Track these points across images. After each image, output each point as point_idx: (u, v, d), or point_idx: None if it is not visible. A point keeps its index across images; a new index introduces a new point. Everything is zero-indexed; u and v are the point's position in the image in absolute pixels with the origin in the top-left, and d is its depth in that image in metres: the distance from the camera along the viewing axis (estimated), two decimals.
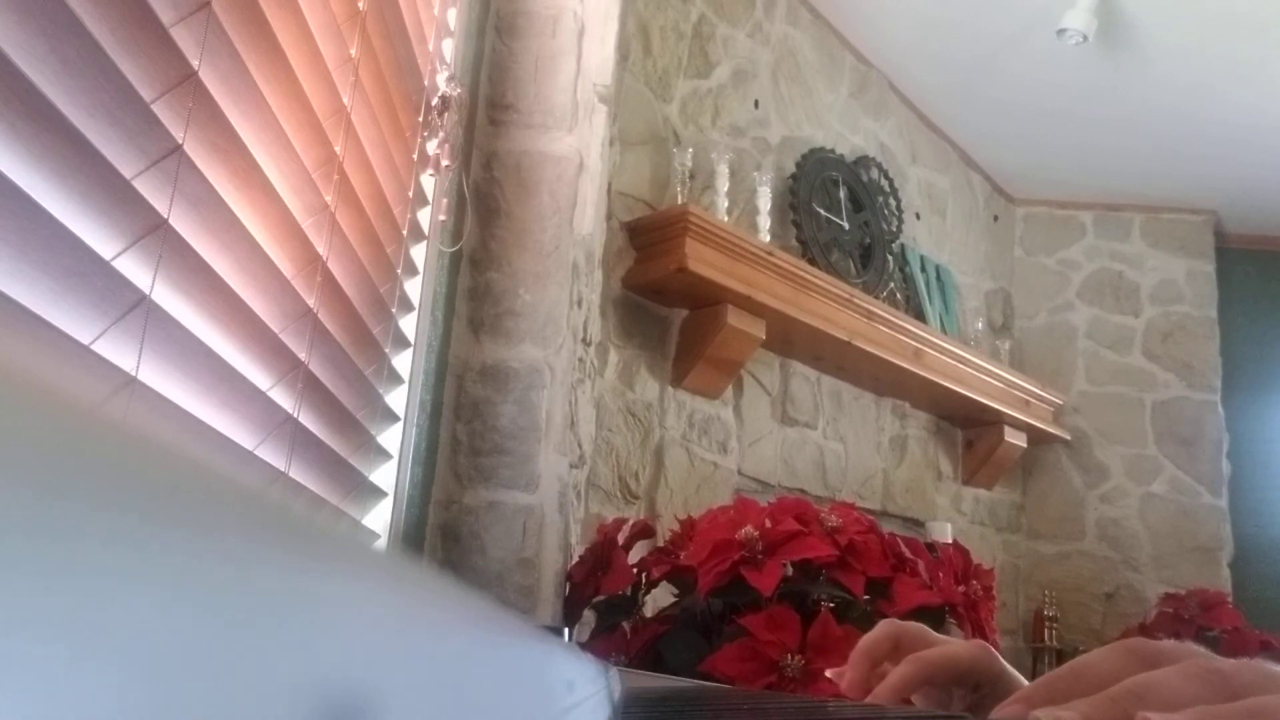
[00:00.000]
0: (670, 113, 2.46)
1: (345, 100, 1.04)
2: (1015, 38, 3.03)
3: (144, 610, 0.07)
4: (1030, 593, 3.66)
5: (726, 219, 2.39)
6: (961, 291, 3.56)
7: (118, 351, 0.63)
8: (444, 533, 1.51)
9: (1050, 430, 3.55)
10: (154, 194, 0.66)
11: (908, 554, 1.40)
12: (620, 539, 1.52)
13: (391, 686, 0.12)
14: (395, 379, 1.35)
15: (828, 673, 0.51)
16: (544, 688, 0.26)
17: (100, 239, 0.61)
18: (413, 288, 1.40)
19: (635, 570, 1.48)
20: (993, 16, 2.95)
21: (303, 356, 0.95)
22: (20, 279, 0.54)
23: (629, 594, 1.49)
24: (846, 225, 2.94)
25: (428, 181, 1.42)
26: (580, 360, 1.65)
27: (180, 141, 0.68)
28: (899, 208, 3.19)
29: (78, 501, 0.07)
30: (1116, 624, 3.50)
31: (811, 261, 2.66)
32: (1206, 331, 3.79)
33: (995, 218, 3.90)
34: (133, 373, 0.64)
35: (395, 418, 1.34)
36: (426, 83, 1.37)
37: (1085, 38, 2.83)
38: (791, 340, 2.60)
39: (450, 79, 1.43)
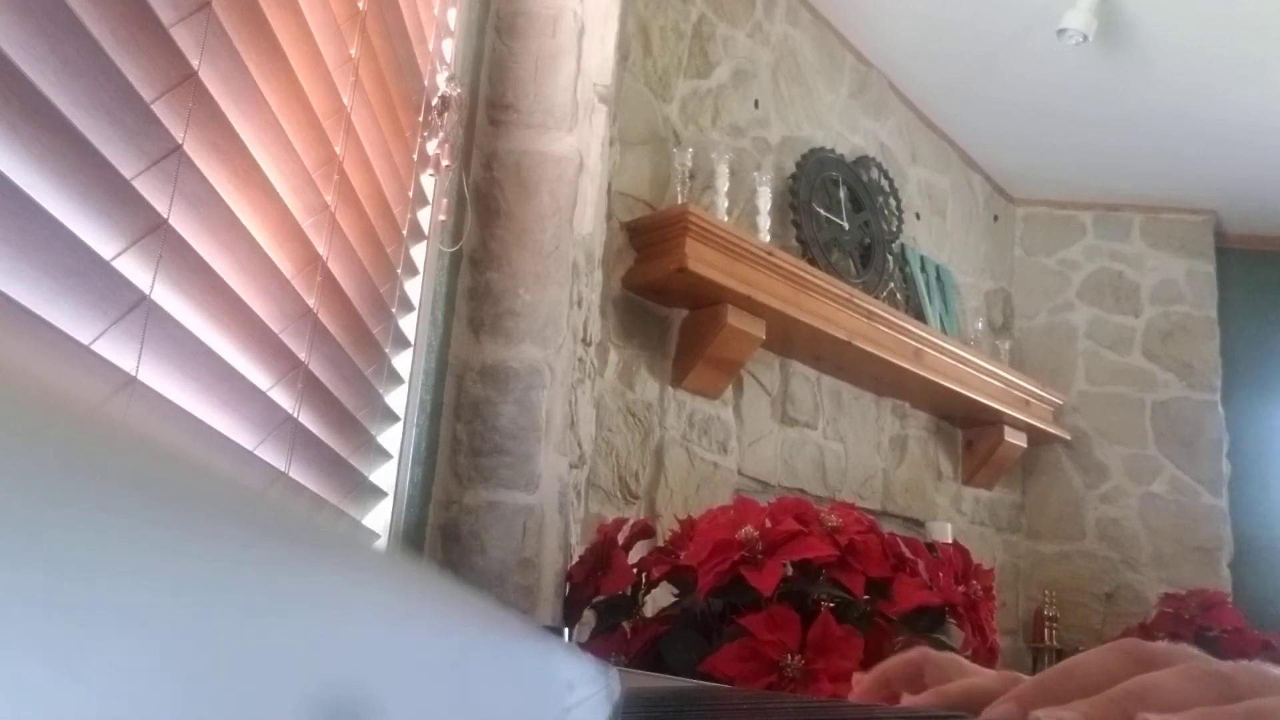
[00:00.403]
0: (670, 113, 2.46)
1: (345, 100, 1.04)
2: (1015, 38, 3.03)
3: (144, 610, 0.07)
4: (1030, 593, 3.66)
5: (726, 219, 2.39)
6: (961, 291, 3.56)
7: (118, 351, 0.63)
8: (444, 533, 1.51)
9: (1050, 430, 3.55)
10: (154, 194, 0.66)
11: (908, 554, 1.40)
12: (620, 539, 1.52)
13: (391, 686, 0.12)
14: (395, 379, 1.35)
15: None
16: (544, 688, 0.26)
17: (100, 239, 0.61)
18: (413, 288, 1.40)
19: (635, 570, 1.48)
20: (993, 16, 2.95)
21: (303, 356, 0.95)
22: (20, 279, 0.54)
23: (629, 594, 1.49)
24: (846, 225, 2.94)
25: (428, 181, 1.42)
26: (580, 360, 1.65)
27: (180, 141, 0.68)
28: (899, 208, 3.19)
29: (77, 501, 0.07)
30: (1116, 624, 3.50)
31: (811, 261, 2.66)
32: (1206, 331, 3.79)
33: (995, 218, 3.90)
34: (133, 373, 0.64)
35: (395, 418, 1.34)
36: (426, 83, 1.37)
37: (1085, 38, 2.83)
38: (791, 340, 2.60)
39: (450, 79, 1.43)
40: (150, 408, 0.67)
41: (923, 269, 3.31)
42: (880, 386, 3.02)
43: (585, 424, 1.69)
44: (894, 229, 3.15)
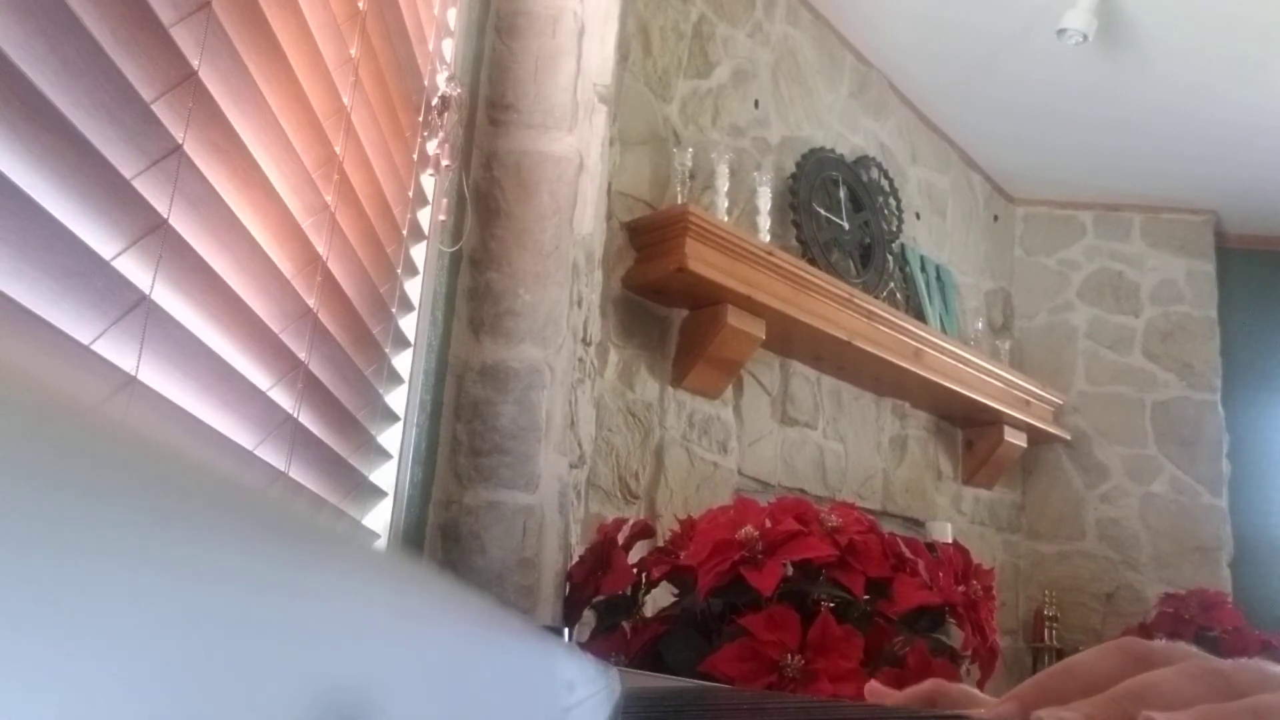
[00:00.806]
0: (670, 113, 2.46)
1: (345, 100, 1.04)
2: (1015, 38, 3.03)
3: (144, 610, 0.07)
4: (1030, 593, 3.66)
5: (726, 219, 2.39)
6: (961, 291, 3.56)
7: (118, 351, 0.63)
8: (444, 533, 1.51)
9: (1050, 430, 3.55)
10: (154, 194, 0.66)
11: (908, 554, 1.40)
12: (620, 539, 1.52)
13: (391, 686, 0.12)
14: (395, 379, 1.35)
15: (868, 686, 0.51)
16: (544, 688, 0.26)
17: (100, 239, 0.61)
18: (413, 288, 1.40)
19: (635, 570, 1.48)
20: (993, 16, 2.95)
21: (303, 356, 0.95)
22: (20, 279, 0.54)
23: (629, 594, 1.49)
24: (846, 225, 2.94)
25: (428, 181, 1.42)
26: (580, 360, 1.65)
27: (180, 141, 0.68)
28: (899, 208, 3.19)
29: (77, 501, 0.07)
30: (1116, 624, 3.50)
31: (811, 261, 2.66)
32: (1206, 331, 3.79)
33: (995, 218, 3.90)
34: (133, 373, 0.64)
35: (395, 418, 1.34)
36: (426, 83, 1.37)
37: (1085, 38, 2.83)
38: (791, 340, 2.60)
39: (450, 79, 1.43)
40: (150, 408, 0.67)
41: (923, 269, 3.31)
42: (880, 386, 3.02)
43: (585, 424, 1.69)
44: (894, 229, 3.15)
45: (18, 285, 0.54)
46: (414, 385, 1.39)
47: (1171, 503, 3.65)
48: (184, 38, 0.69)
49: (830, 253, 2.82)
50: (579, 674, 0.33)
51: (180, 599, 0.08)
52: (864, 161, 3.13)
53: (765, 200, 2.60)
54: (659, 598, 1.52)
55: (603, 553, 1.50)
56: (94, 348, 0.61)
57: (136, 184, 0.63)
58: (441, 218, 1.46)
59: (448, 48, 1.52)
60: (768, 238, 2.55)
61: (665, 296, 2.32)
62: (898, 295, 3.14)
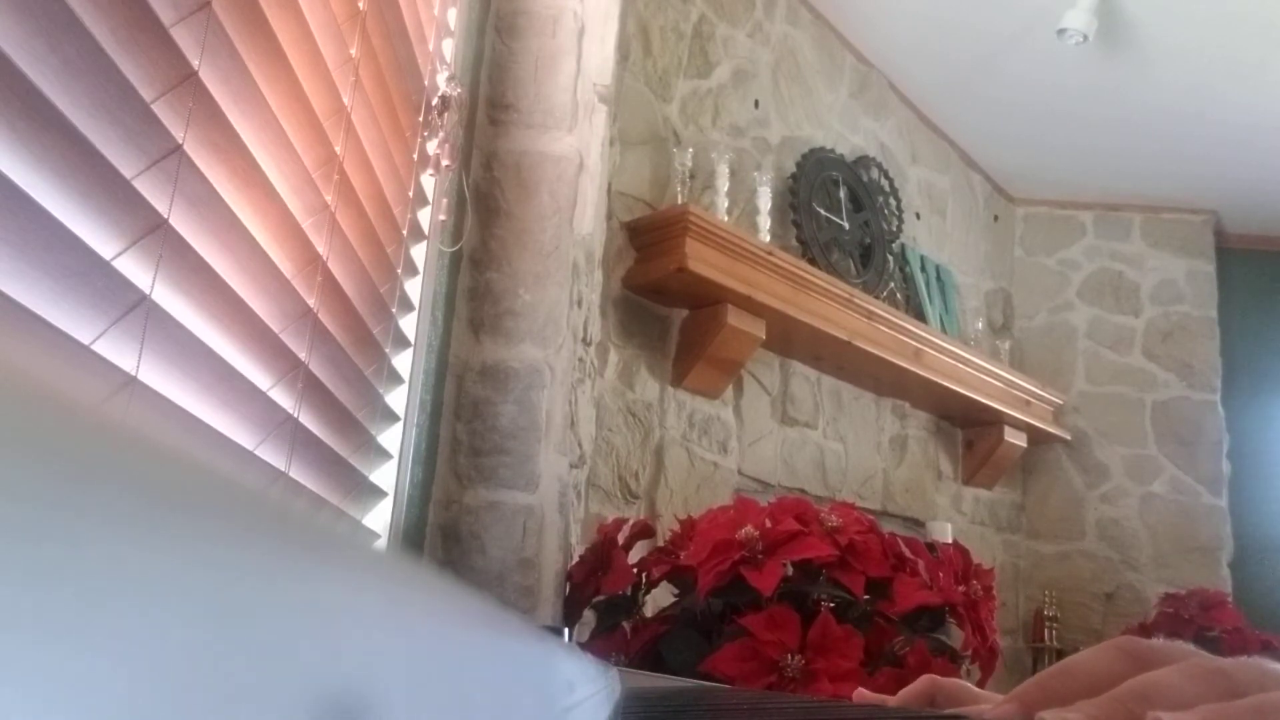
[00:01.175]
0: (670, 113, 2.46)
1: (345, 100, 1.04)
2: (1015, 38, 3.03)
3: (143, 610, 0.07)
4: (1030, 593, 3.66)
5: (726, 219, 2.39)
6: (961, 291, 3.56)
7: (118, 351, 0.63)
8: (444, 533, 1.51)
9: (1050, 430, 3.55)
10: (154, 194, 0.66)
11: (908, 554, 1.40)
12: (620, 539, 1.52)
13: (391, 686, 0.12)
14: (395, 379, 1.35)
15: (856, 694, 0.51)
16: (544, 688, 0.26)
17: (100, 239, 0.61)
18: (413, 288, 1.40)
19: (635, 570, 1.48)
20: (993, 16, 2.95)
21: (303, 356, 0.95)
22: (20, 279, 0.54)
23: (629, 594, 1.49)
24: (846, 225, 2.94)
25: (428, 181, 1.42)
26: (580, 360, 1.65)
27: (180, 141, 0.68)
28: (899, 208, 3.19)
29: (77, 501, 0.07)
30: (1116, 624, 3.49)
31: (811, 261, 2.66)
32: (1206, 331, 3.79)
33: (995, 218, 3.90)
34: (133, 373, 0.64)
35: (395, 418, 1.34)
36: (426, 83, 1.37)
37: (1085, 38, 2.83)
38: (791, 340, 2.60)
39: (450, 79, 1.43)
40: (150, 408, 0.67)
41: (923, 269, 3.31)
42: (880, 386, 3.02)
43: (585, 424, 1.69)
44: (894, 229, 3.15)
45: (18, 285, 0.54)
46: (414, 385, 1.39)
47: (1171, 503, 3.65)
48: (184, 38, 0.69)
49: (830, 253, 2.82)
50: (579, 674, 0.33)
51: (180, 599, 0.08)
52: (864, 161, 3.13)
53: (765, 200, 2.60)
54: (659, 598, 1.52)
55: (603, 553, 1.50)
56: (94, 348, 0.61)
57: (136, 184, 0.63)
58: (441, 218, 1.46)
59: (448, 48, 1.52)
60: (768, 238, 2.55)
61: (665, 296, 2.32)
62: (898, 295, 3.14)
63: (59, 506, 0.07)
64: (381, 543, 1.29)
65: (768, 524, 1.33)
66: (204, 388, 0.76)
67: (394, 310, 1.30)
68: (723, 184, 2.43)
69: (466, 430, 1.55)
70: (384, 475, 1.31)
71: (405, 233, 1.32)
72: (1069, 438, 3.68)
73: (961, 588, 1.43)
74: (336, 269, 1.04)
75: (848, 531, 1.35)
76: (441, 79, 1.42)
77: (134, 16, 0.62)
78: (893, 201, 3.18)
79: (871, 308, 2.73)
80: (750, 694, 0.95)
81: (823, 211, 2.86)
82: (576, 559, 1.56)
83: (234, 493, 0.09)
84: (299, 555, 0.10)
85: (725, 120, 2.64)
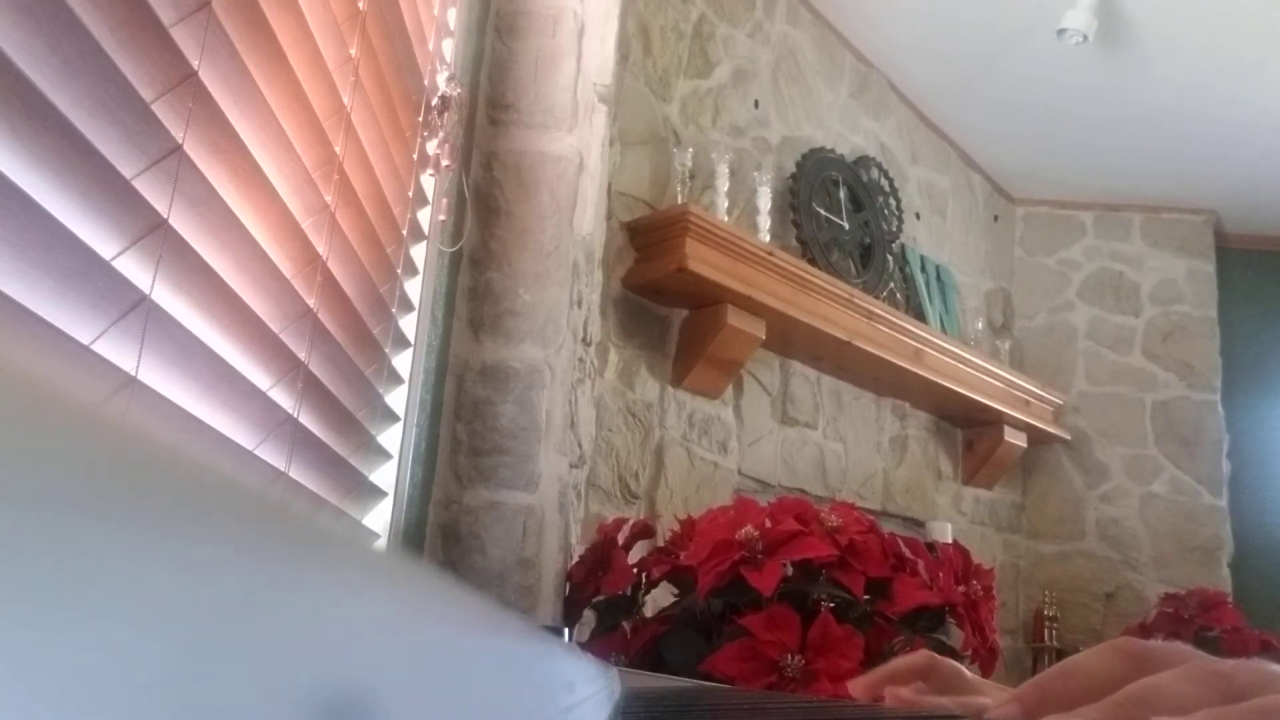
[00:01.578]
0: (670, 113, 2.46)
1: (345, 100, 1.04)
2: (1015, 37, 3.03)
3: (143, 609, 0.07)
4: (1030, 593, 3.66)
5: (726, 219, 2.39)
6: (961, 291, 3.56)
7: (118, 351, 0.63)
8: (444, 533, 1.51)
9: (1050, 430, 3.55)
10: (154, 194, 0.66)
11: (908, 554, 1.40)
12: (620, 539, 1.52)
13: (391, 686, 0.12)
14: (395, 379, 1.35)
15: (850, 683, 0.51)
16: (544, 688, 0.26)
17: (100, 239, 0.61)
18: (413, 288, 1.40)
19: (635, 570, 1.48)
20: (993, 16, 2.95)
21: (303, 356, 0.95)
22: (20, 279, 0.54)
23: (629, 594, 1.49)
24: (846, 225, 2.94)
25: (428, 181, 1.42)
26: (580, 360, 1.65)
27: (180, 141, 0.68)
28: (899, 208, 3.19)
29: (77, 501, 0.07)
30: (1116, 624, 3.50)
31: (811, 261, 2.66)
32: (1206, 331, 3.79)
33: (995, 218, 3.90)
34: (133, 373, 0.64)
35: (395, 418, 1.34)
36: (426, 83, 1.37)
37: (1085, 38, 2.83)
38: (791, 340, 2.60)
39: (450, 79, 1.43)
40: (150, 408, 0.67)
41: (923, 269, 3.31)
42: (880, 386, 3.02)
43: (585, 424, 1.69)
44: (894, 229, 3.15)
45: (18, 285, 0.54)
46: (414, 385, 1.39)
47: (1171, 503, 3.65)
48: (184, 38, 0.69)
49: (830, 253, 2.82)
50: (579, 674, 0.33)
51: (180, 599, 0.08)
52: (864, 161, 3.13)
53: (765, 200, 2.60)
54: (659, 598, 1.52)
55: (603, 553, 1.50)
56: (94, 348, 0.61)
57: (136, 184, 0.63)
58: (441, 218, 1.46)
59: (448, 48, 1.52)
60: (768, 238, 2.55)
61: (665, 296, 2.32)
62: (898, 295, 3.14)
63: (59, 507, 0.07)
64: (381, 543, 1.29)
65: (768, 524, 1.33)
66: (204, 388, 0.76)
67: (394, 310, 1.30)
68: (723, 184, 2.43)
69: (466, 430, 1.55)
70: (384, 475, 1.31)
71: (405, 233, 1.32)
72: (1069, 438, 3.68)
73: (961, 588, 1.43)
74: (336, 269, 1.04)
75: (848, 531, 1.35)
76: (441, 79, 1.42)
77: (134, 16, 0.62)
78: (893, 201, 3.18)
79: (871, 308, 2.73)
80: (750, 694, 0.95)
81: (823, 211, 2.86)
82: (576, 559, 1.56)
83: (234, 493, 0.09)
84: (299, 555, 0.10)
85: (725, 120, 2.64)
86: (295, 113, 0.91)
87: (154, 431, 0.08)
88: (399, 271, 1.29)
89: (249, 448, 0.86)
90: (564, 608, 1.53)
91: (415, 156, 1.35)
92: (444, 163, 1.39)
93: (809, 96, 2.99)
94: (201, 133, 0.73)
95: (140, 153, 0.64)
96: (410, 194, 1.34)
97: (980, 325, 3.52)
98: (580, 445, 1.65)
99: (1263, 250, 3.95)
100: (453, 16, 1.55)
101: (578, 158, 1.65)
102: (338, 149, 1.02)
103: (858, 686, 0.50)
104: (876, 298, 2.86)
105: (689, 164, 2.38)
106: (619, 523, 1.56)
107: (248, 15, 0.79)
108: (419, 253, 1.42)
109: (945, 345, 3.03)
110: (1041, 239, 3.98)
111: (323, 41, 0.97)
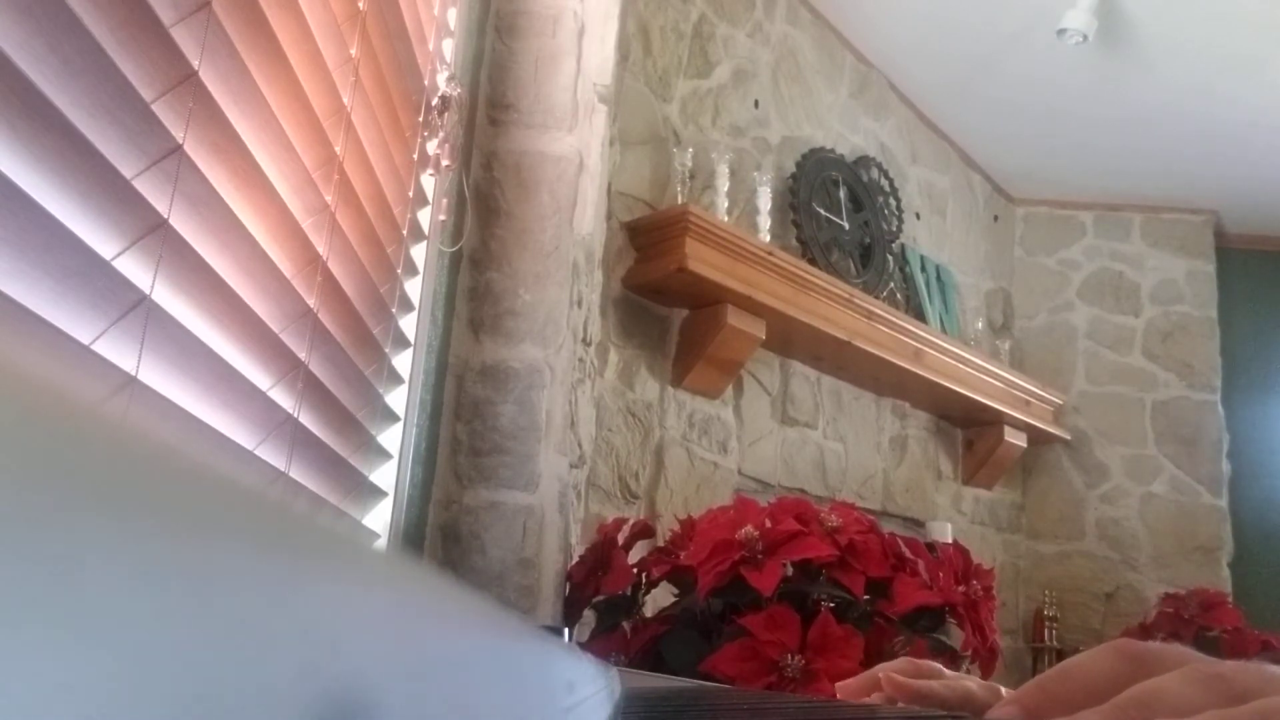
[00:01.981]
0: (670, 113, 2.46)
1: (345, 100, 1.04)
2: (1015, 37, 3.03)
3: (143, 610, 0.07)
4: (1030, 593, 3.66)
5: (726, 219, 2.39)
6: (961, 291, 3.56)
7: (118, 351, 0.63)
8: (444, 533, 1.51)
9: (1050, 430, 3.55)
10: (154, 194, 0.66)
11: (908, 554, 1.40)
12: (620, 539, 1.52)
13: (391, 686, 0.12)
14: (395, 379, 1.35)
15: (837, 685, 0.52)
16: (544, 688, 0.26)
17: (100, 239, 0.61)
18: (413, 288, 1.40)
19: (635, 570, 1.48)
20: (993, 16, 2.95)
21: (303, 356, 0.95)
22: (20, 279, 0.54)
23: (629, 594, 1.49)
24: (846, 225, 2.94)
25: (428, 181, 1.42)
26: (580, 360, 1.65)
27: (180, 141, 0.68)
28: (899, 208, 3.19)
29: (77, 501, 0.07)
30: (1116, 624, 3.50)
31: (811, 261, 2.66)
32: (1206, 331, 3.79)
33: (995, 218, 3.90)
34: (133, 373, 0.64)
35: (395, 418, 1.34)
36: (426, 83, 1.37)
37: (1085, 37, 2.83)
38: (791, 340, 2.60)
39: (450, 79, 1.43)
40: (150, 408, 0.67)
41: (923, 269, 3.31)
42: (880, 386, 3.02)
43: (585, 424, 1.69)
44: (894, 229, 3.15)
45: (18, 285, 0.54)
46: (414, 385, 1.39)
47: (1171, 503, 3.65)
48: (184, 38, 0.69)
49: (830, 253, 2.82)
50: (579, 674, 0.33)
51: (180, 599, 0.08)
52: (864, 161, 3.13)
53: (765, 200, 2.60)
54: (659, 598, 1.52)
55: (603, 553, 1.50)
56: (94, 348, 0.61)
57: (136, 184, 0.63)
58: (441, 218, 1.46)
59: (448, 48, 1.52)
60: (768, 238, 2.55)
61: (665, 296, 2.32)
62: (898, 295, 3.14)
63: (58, 507, 0.07)
64: (381, 543, 1.29)
65: (768, 524, 1.33)
66: (204, 388, 0.76)
67: (394, 310, 1.30)
68: (723, 184, 2.43)
69: (466, 430, 1.55)
70: (384, 475, 1.31)
71: (405, 233, 1.32)
72: (1069, 438, 3.68)
73: (961, 588, 1.43)
74: (336, 269, 1.04)
75: (848, 531, 1.35)
76: (441, 79, 1.42)
77: (134, 16, 0.62)
78: (893, 201, 3.18)
79: (871, 308, 2.73)
80: (750, 694, 0.95)
81: (823, 211, 2.86)
82: (576, 559, 1.56)
83: (234, 493, 0.09)
84: (299, 555, 0.10)
85: (725, 120, 2.64)
86: (295, 113, 0.91)
87: (154, 431, 0.08)
88: (399, 271, 1.29)
89: (249, 448, 0.86)
90: (564, 608, 1.53)
91: (415, 156, 1.35)
92: (444, 163, 1.39)
93: (809, 96, 2.99)
94: (201, 133, 0.73)
95: (140, 153, 0.64)
96: (410, 194, 1.34)
97: (980, 325, 3.52)
98: (580, 445, 1.65)
99: (1263, 250, 3.95)
100: (453, 16, 1.55)
101: (578, 158, 1.65)
102: (338, 149, 1.02)
103: (844, 690, 0.51)
104: (876, 298, 2.86)
105: (689, 164, 2.38)
106: (619, 523, 1.56)
107: (248, 15, 0.79)
108: (419, 253, 1.42)
109: (945, 345, 3.03)
110: (1041, 239, 3.98)
111: (323, 41, 0.97)
